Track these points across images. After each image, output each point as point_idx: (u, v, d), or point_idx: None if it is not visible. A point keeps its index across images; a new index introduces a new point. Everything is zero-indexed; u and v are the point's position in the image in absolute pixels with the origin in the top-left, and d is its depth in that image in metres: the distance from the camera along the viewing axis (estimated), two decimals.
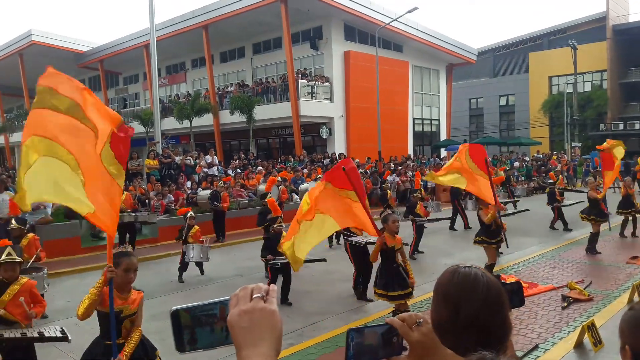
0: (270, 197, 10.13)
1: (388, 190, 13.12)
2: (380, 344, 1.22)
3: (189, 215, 9.79)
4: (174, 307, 1.08)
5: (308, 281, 9.15)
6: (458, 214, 14.42)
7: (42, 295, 5.70)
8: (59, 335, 4.22)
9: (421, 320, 1.27)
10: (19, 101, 42.90)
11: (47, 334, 4.28)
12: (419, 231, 11.01)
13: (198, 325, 1.07)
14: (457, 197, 14.48)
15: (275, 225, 8.07)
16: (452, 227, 14.21)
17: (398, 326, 1.24)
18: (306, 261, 7.45)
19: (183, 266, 9.57)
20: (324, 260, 8.27)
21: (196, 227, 9.72)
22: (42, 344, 6.17)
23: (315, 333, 6.32)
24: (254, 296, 1.05)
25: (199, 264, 9.79)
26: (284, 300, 7.62)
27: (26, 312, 4.34)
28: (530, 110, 44.36)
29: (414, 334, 1.25)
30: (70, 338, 4.09)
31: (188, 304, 1.08)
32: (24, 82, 38.86)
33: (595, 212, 10.64)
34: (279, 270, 7.78)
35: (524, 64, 46.92)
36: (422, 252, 11.05)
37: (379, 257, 6.41)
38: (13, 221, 8.33)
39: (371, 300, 7.52)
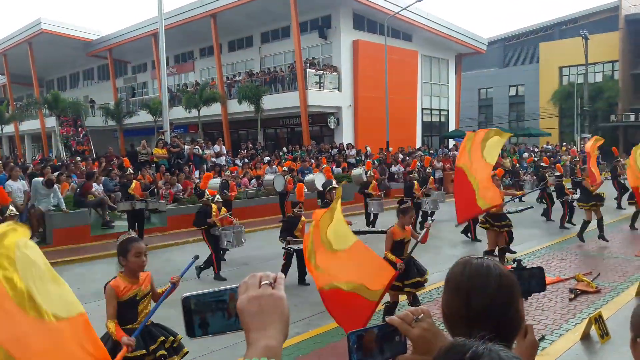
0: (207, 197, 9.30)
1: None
2: (383, 344, 1.21)
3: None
4: (185, 294, 1.11)
5: None
6: None
7: None
8: None
9: (421, 315, 1.25)
10: (29, 90, 43.11)
11: None
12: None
13: (208, 311, 1.09)
14: None
15: (295, 210, 8.45)
16: None
17: (397, 324, 1.23)
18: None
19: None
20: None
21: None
22: None
23: (322, 322, 6.35)
24: (262, 283, 1.07)
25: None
26: (302, 280, 8.08)
27: None
28: (540, 101, 43.91)
29: (414, 330, 1.23)
30: None
31: (198, 291, 1.10)
32: (33, 71, 38.99)
33: (594, 198, 10.64)
34: (294, 255, 8.13)
35: (534, 54, 46.38)
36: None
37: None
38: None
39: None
